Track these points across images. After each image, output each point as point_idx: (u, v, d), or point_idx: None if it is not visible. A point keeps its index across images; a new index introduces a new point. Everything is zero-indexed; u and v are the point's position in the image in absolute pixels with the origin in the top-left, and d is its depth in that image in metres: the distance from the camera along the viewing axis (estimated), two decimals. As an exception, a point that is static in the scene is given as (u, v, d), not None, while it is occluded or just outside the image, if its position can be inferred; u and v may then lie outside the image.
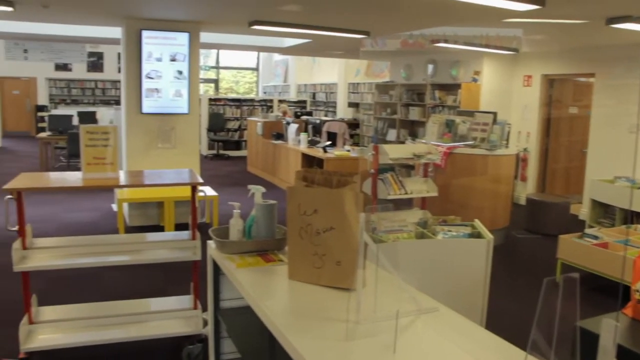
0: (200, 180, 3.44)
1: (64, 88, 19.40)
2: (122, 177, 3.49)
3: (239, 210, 2.63)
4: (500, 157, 6.56)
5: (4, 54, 12.52)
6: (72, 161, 11.99)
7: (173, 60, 6.89)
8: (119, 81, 19.34)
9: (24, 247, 3.39)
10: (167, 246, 3.75)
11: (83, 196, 8.63)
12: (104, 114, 14.96)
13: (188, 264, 3.79)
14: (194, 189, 3.54)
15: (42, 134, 11.99)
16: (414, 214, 4.46)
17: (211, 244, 2.67)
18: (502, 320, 4.49)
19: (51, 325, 3.65)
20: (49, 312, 3.79)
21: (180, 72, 6.92)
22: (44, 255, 3.48)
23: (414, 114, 11.25)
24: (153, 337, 3.72)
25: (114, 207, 7.90)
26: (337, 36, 7.63)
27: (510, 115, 9.43)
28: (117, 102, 19.31)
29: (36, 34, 9.53)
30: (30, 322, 3.56)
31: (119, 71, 19.27)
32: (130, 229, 6.78)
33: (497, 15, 5.63)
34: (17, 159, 13.48)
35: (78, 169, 9.55)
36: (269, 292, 2.16)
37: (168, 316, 3.88)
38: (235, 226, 2.61)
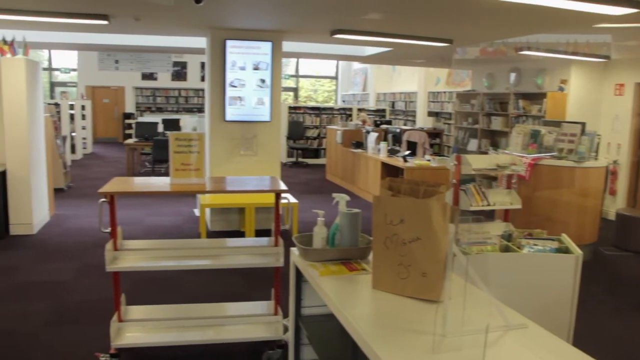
0: (285, 188, 3.48)
1: (150, 96, 20.21)
2: (208, 183, 3.57)
3: (323, 219, 2.63)
4: (589, 170, 6.29)
5: (98, 65, 13.21)
6: (156, 167, 12.43)
7: (256, 69, 7.03)
8: (201, 89, 19.97)
9: (115, 249, 3.53)
10: (248, 252, 3.81)
11: (166, 201, 8.94)
12: (187, 121, 15.44)
13: (268, 270, 3.84)
14: (277, 196, 3.59)
15: (129, 140, 12.51)
16: (497, 227, 4.34)
17: (294, 251, 2.69)
18: (590, 339, 4.29)
19: (138, 324, 3.78)
20: (136, 311, 3.93)
21: (262, 81, 7.05)
22: (133, 256, 3.61)
23: (497, 123, 10.98)
24: (233, 341, 3.79)
25: (196, 212, 8.13)
26: (419, 44, 7.56)
27: (599, 125, 9.03)
28: (200, 110, 19.90)
29: (126, 45, 9.98)
30: (120, 320, 3.70)
31: (202, 80, 19.93)
32: (211, 234, 6.95)
33: (589, 20, 5.41)
34: (105, 163, 14.12)
35: (162, 174, 9.92)
36: (353, 301, 2.15)
37: (248, 321, 3.94)
38: (319, 234, 2.62)
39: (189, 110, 20.09)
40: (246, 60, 7.01)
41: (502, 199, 5.09)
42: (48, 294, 5.01)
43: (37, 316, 4.51)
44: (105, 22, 6.54)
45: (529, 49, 7.74)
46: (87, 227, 7.34)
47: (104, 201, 3.35)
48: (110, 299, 4.72)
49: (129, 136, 16.69)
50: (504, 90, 10.86)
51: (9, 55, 7.35)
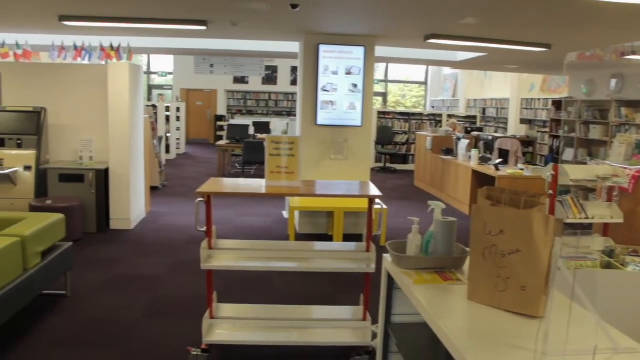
0: (379, 194, 3.47)
1: (241, 99, 20.74)
2: (302, 187, 3.61)
3: (417, 226, 2.60)
4: (700, 183, 5.88)
5: (194, 69, 13.71)
6: (246, 168, 12.74)
7: (348, 73, 7.06)
8: (291, 93, 20.28)
9: (210, 247, 3.64)
10: (338, 256, 3.82)
11: (256, 202, 9.13)
12: (277, 124, 15.76)
13: (355, 275, 3.86)
14: (371, 201, 3.58)
15: (221, 142, 12.88)
16: (596, 242, 4.13)
17: (387, 257, 2.67)
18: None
19: (228, 322, 3.88)
20: (227, 309, 4.04)
21: (355, 86, 7.08)
22: (226, 256, 3.71)
23: (595, 132, 10.48)
24: (321, 345, 3.81)
25: (285, 214, 8.25)
26: (516, 50, 7.35)
27: None
28: (289, 114, 20.22)
29: (221, 49, 10.29)
30: (211, 317, 3.82)
31: (292, 84, 20.24)
32: (299, 236, 7.04)
33: None
34: (197, 164, 14.61)
35: (251, 176, 10.12)
36: (448, 311, 2.11)
37: (336, 325, 3.95)
38: (414, 241, 2.59)
39: (279, 114, 20.46)
40: (339, 65, 7.05)
41: (601, 212, 4.83)
42: (145, 287, 5.24)
43: (136, 307, 4.73)
44: (203, 28, 6.77)
45: (633, 53, 7.34)
46: (180, 225, 7.62)
47: (200, 201, 3.46)
48: (201, 296, 4.89)
49: (220, 138, 17.20)
50: (605, 98, 10.35)
51: (114, 60, 7.76)
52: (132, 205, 7.29)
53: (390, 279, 2.66)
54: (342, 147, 7.18)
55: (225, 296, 4.39)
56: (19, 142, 7.07)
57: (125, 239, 6.87)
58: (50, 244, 4.58)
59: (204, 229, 3.59)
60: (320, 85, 7.06)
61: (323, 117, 7.12)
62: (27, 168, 7.00)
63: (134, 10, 6.02)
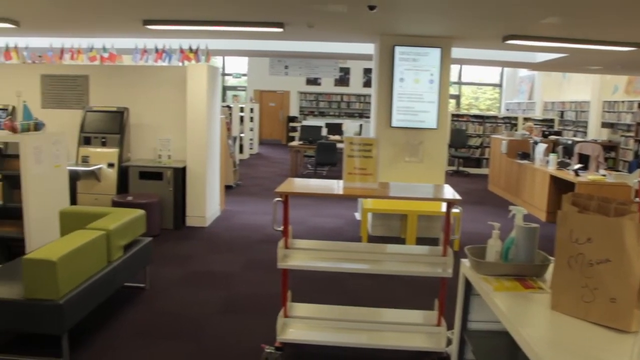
0: (458, 198, 3.41)
1: (313, 101, 20.90)
2: (380, 188, 3.60)
3: (498, 231, 2.54)
4: None
5: (268, 70, 13.96)
6: (318, 169, 12.82)
7: (424, 75, 6.98)
8: (363, 95, 20.26)
9: (286, 247, 3.69)
10: (413, 259, 3.79)
11: (328, 203, 9.17)
12: (349, 125, 15.76)
13: (429, 279, 3.81)
14: (449, 205, 3.53)
15: (294, 143, 13.01)
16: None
17: (465, 262, 2.62)
18: None
19: (302, 321, 3.92)
20: (300, 308, 4.08)
21: (430, 87, 7.00)
22: (302, 255, 3.75)
23: (684, 137, 9.95)
24: (393, 348, 3.79)
25: (357, 215, 8.25)
26: (601, 50, 7.06)
27: None
28: (361, 115, 20.21)
29: (294, 51, 10.39)
30: (285, 316, 3.86)
31: (364, 85, 20.22)
32: (372, 239, 7.02)
33: None
34: (269, 164, 14.82)
35: (323, 177, 10.14)
36: (530, 320, 2.05)
37: (409, 329, 3.91)
38: (494, 247, 2.53)
39: (350, 115, 20.49)
40: (414, 67, 6.99)
41: (693, 221, 4.59)
42: (218, 283, 5.37)
43: (210, 303, 4.85)
44: (280, 30, 6.86)
45: None
46: (253, 223, 7.75)
47: (278, 200, 3.51)
48: (273, 294, 4.97)
49: (292, 139, 17.38)
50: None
51: (193, 62, 7.99)
52: (207, 203, 7.48)
53: (468, 285, 2.61)
54: (416, 150, 7.11)
55: (298, 295, 4.43)
56: (103, 140, 7.40)
57: (200, 236, 7.06)
58: (132, 239, 4.76)
59: (281, 228, 3.64)
60: (395, 87, 7.02)
61: (398, 119, 7.07)
62: (110, 165, 7.32)
63: (213, 13, 6.18)
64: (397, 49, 6.97)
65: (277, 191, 3.45)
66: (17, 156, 5.22)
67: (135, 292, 5.03)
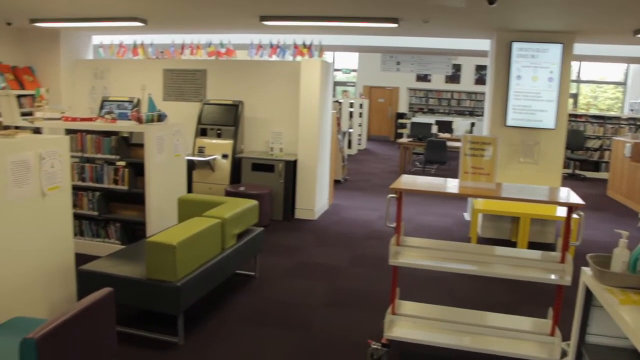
0: (581, 202, 3.22)
1: (422, 98, 20.61)
2: (498, 189, 3.48)
3: (625, 240, 2.38)
4: None
5: (380, 66, 13.91)
6: (427, 167, 12.64)
7: (543, 72, 6.68)
8: (474, 93, 19.73)
9: (398, 244, 3.66)
10: (524, 264, 3.63)
11: (436, 201, 9.01)
12: (459, 123, 15.43)
13: (541, 285, 3.64)
14: (570, 209, 3.35)
15: (403, 140, 12.91)
16: None
17: (586, 270, 2.48)
18: None
19: (409, 320, 3.88)
20: (407, 306, 4.03)
21: (549, 86, 6.68)
22: (413, 253, 3.71)
23: None
24: (502, 354, 3.65)
25: (466, 215, 8.05)
26: None
27: None
28: (471, 113, 19.71)
29: (406, 47, 10.28)
30: (393, 313, 3.84)
31: (475, 83, 19.68)
32: (481, 240, 6.83)
33: None
34: (377, 160, 14.79)
35: (432, 175, 9.97)
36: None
37: (519, 336, 3.76)
38: (621, 257, 2.37)
39: (461, 113, 20.02)
40: (532, 64, 6.70)
41: None
42: (326, 276, 5.43)
43: (317, 295, 4.92)
44: (395, 25, 6.81)
45: None
46: (361, 219, 7.77)
47: (392, 197, 3.48)
48: (380, 290, 4.96)
49: (400, 135, 17.25)
50: None
51: (307, 57, 8.12)
52: (316, 197, 7.59)
53: (588, 295, 2.47)
54: (532, 150, 6.82)
55: (403, 293, 4.39)
56: (218, 132, 7.69)
57: (308, 228, 7.17)
58: (245, 228, 4.92)
59: (393, 225, 3.61)
60: (511, 85, 6.76)
61: (513, 118, 6.81)
62: (225, 156, 7.59)
63: (328, 9, 6.23)
64: (515, 45, 6.71)
65: (392, 187, 3.42)
66: (141, 145, 5.54)
67: (246, 280, 5.19)
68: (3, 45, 8.65)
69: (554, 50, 6.65)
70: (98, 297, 2.80)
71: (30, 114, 6.18)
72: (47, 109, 6.39)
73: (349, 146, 14.98)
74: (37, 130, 5.58)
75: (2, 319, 3.62)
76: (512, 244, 6.61)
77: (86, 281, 4.03)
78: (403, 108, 20.61)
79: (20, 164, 3.75)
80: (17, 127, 4.88)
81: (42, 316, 3.94)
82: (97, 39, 9.83)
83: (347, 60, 21.38)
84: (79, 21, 7.39)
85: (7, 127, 4.30)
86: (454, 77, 19.96)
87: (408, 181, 3.73)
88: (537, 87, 6.73)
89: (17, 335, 2.89)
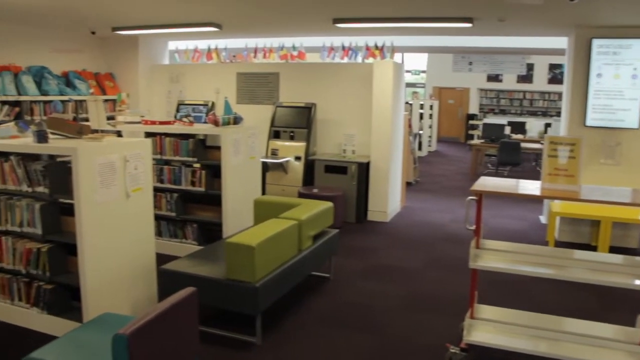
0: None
1: (494, 98, 20.16)
2: (582, 191, 3.36)
3: None
4: None
5: (451, 67, 13.70)
6: (500, 169, 12.35)
7: (626, 70, 6.40)
8: (547, 92, 19.15)
9: (477, 247, 3.59)
10: (612, 270, 3.49)
11: (510, 204, 8.78)
12: (532, 124, 15.00)
13: (627, 291, 3.47)
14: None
15: (475, 141, 12.67)
16: None
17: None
18: None
19: (489, 324, 3.79)
20: (486, 310, 3.95)
21: (632, 84, 6.39)
22: (492, 256, 3.63)
23: None
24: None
25: (542, 219, 7.82)
26: None
27: None
28: (544, 114, 19.13)
29: (478, 47, 10.08)
30: (472, 317, 3.76)
31: (549, 82, 19.08)
32: (558, 244, 6.60)
33: None
34: (447, 162, 14.58)
35: (505, 177, 9.69)
36: None
37: (605, 344, 3.61)
38: None
39: (533, 114, 19.45)
40: (614, 61, 6.43)
41: None
42: (400, 279, 5.39)
43: (392, 297, 4.89)
44: (469, 25, 6.70)
45: None
46: (433, 221, 7.67)
47: (472, 199, 3.42)
48: (456, 293, 4.89)
49: (471, 137, 16.93)
50: None
51: (378, 59, 8.09)
52: (389, 199, 7.55)
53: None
54: (613, 151, 6.55)
55: (481, 297, 4.30)
56: (291, 134, 7.78)
57: (381, 230, 7.14)
58: (320, 230, 4.94)
59: (473, 227, 3.55)
60: (591, 83, 6.51)
61: (593, 118, 6.56)
62: (297, 158, 7.67)
63: (402, 9, 6.18)
64: (595, 42, 6.46)
65: (473, 189, 3.36)
66: (217, 147, 5.67)
67: (321, 282, 5.22)
68: (87, 54, 9.06)
69: (638, 47, 6.36)
70: (183, 296, 2.88)
71: (112, 118, 6.44)
72: (127, 113, 6.65)
73: (419, 148, 14.84)
74: (118, 134, 5.81)
75: (93, 315, 3.79)
76: (592, 249, 6.36)
77: (167, 280, 4.16)
78: (473, 109, 20.23)
79: (107, 167, 3.91)
80: (101, 131, 5.09)
81: (126, 313, 4.09)
82: (172, 45, 10.15)
83: (416, 61, 21.18)
84: (157, 28, 7.64)
85: (95, 131, 4.48)
86: (526, 77, 19.40)
87: (488, 183, 3.65)
88: (619, 85, 6.46)
89: (108, 331, 3.02)
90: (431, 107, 16.37)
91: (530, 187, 3.52)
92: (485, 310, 3.96)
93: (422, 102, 15.85)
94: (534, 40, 9.10)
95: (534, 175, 11.71)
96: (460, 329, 3.93)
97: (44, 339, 3.99)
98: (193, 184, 5.77)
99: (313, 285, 5.11)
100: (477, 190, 3.36)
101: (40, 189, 3.98)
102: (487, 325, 3.79)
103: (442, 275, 5.52)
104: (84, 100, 8.34)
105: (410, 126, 10.51)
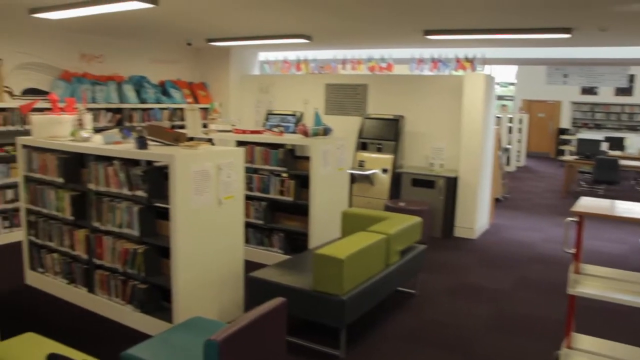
0: None
1: (588, 112, 19.26)
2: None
3: None
4: None
5: (543, 79, 13.19)
6: (594, 187, 11.78)
7: None
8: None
9: (577, 272, 3.40)
10: None
11: (606, 226, 8.32)
12: (633, 140, 14.23)
13: None
14: None
15: (568, 157, 12.14)
16: None
17: None
18: None
19: (587, 356, 3.57)
20: (585, 341, 3.73)
21: None
22: (594, 282, 3.43)
23: None
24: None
25: (643, 242, 7.38)
26: None
27: None
28: (645, 129, 18.11)
29: (573, 58, 9.68)
30: (568, 347, 3.57)
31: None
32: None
33: None
34: (537, 178, 14.04)
35: (599, 196, 9.22)
36: None
37: None
38: None
39: (633, 128, 18.43)
40: None
41: None
42: (488, 298, 5.21)
43: (479, 317, 4.73)
44: (567, 36, 6.44)
45: None
46: (523, 240, 7.39)
47: (572, 220, 3.25)
48: (548, 318, 4.69)
49: (562, 152, 16.26)
50: None
51: (469, 71, 7.93)
52: (477, 215, 7.34)
53: None
54: None
55: (577, 324, 4.07)
56: (379, 146, 7.73)
57: (468, 247, 6.95)
58: (408, 245, 4.86)
59: (572, 251, 3.37)
60: None
61: None
62: (384, 171, 7.61)
63: (496, 21, 6.02)
64: None
65: (574, 210, 3.19)
66: (306, 158, 5.71)
67: (407, 297, 5.13)
68: (183, 64, 9.40)
69: None
70: (273, 306, 2.89)
71: (204, 126, 6.62)
72: (219, 121, 6.83)
73: (508, 163, 14.40)
74: (209, 141, 5.96)
75: (182, 316, 3.90)
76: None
77: (254, 288, 4.21)
78: (565, 123, 19.41)
79: (202, 174, 4.01)
80: (192, 138, 5.23)
81: (213, 317, 4.18)
82: (262, 56, 10.36)
83: (504, 73, 20.63)
84: (249, 39, 7.82)
85: (190, 139, 4.62)
86: (625, 89, 18.43)
87: (590, 204, 3.46)
88: None
89: (198, 334, 3.09)
90: (520, 121, 15.87)
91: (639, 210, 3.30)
92: (584, 341, 3.75)
93: (510, 116, 15.38)
94: (636, 50, 8.65)
95: (634, 196, 11.08)
96: (554, 357, 3.74)
97: (135, 335, 4.17)
98: (281, 193, 5.83)
99: (398, 301, 5.03)
100: (578, 211, 3.19)
101: (139, 192, 4.14)
102: (586, 357, 3.58)
103: (533, 297, 5.29)
104: (178, 109, 8.66)
105: (499, 140, 10.21)
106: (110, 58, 8.14)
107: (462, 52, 8.37)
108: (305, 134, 5.75)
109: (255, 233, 6.15)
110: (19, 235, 6.41)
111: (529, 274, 6.00)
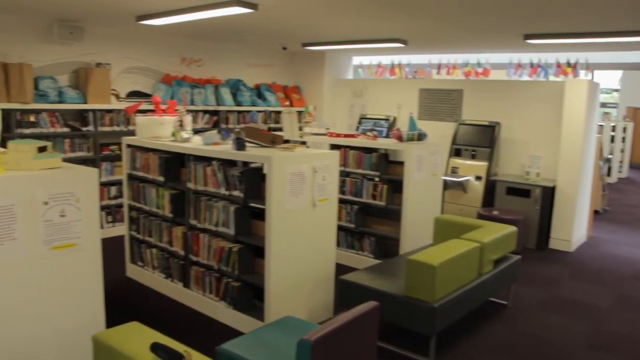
0: None
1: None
2: None
3: None
4: None
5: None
6: None
7: None
8: None
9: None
10: None
11: None
12: None
13: None
14: None
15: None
16: None
17: None
18: None
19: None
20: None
21: None
22: None
23: None
24: None
25: None
26: None
27: None
28: None
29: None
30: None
31: None
32: None
33: None
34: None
35: None
36: None
37: None
38: None
39: None
40: None
41: None
42: (586, 315, 5.00)
43: (576, 334, 4.55)
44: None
45: None
46: (624, 255, 7.02)
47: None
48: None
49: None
50: None
51: (570, 77, 7.64)
52: (574, 227, 7.05)
53: None
54: None
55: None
56: (473, 153, 7.59)
57: (564, 260, 6.69)
58: (502, 254, 4.75)
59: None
60: None
61: None
62: (478, 178, 7.46)
63: (602, 23, 5.76)
64: None
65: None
66: (399, 163, 5.70)
67: (498, 308, 5.02)
68: (278, 67, 9.62)
69: None
70: (366, 309, 2.92)
71: (299, 129, 6.75)
72: (314, 124, 6.93)
73: (609, 174, 13.71)
74: (303, 144, 6.07)
75: (273, 315, 4.01)
76: None
77: (345, 291, 4.25)
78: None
79: (297, 176, 4.10)
80: (287, 141, 5.35)
81: (303, 317, 4.25)
82: (356, 60, 10.42)
83: (608, 79, 19.67)
84: (344, 44, 7.89)
85: (286, 141, 4.73)
86: None
87: None
88: None
89: (290, 334, 3.17)
90: (624, 130, 15.07)
91: None
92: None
93: (613, 124, 14.65)
94: None
95: None
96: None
97: (227, 330, 4.32)
98: (374, 197, 5.85)
99: (490, 312, 4.92)
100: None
101: (236, 192, 4.29)
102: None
103: (636, 317, 5.02)
104: (273, 111, 8.87)
105: (601, 150, 9.76)
106: (209, 62, 8.46)
107: (563, 57, 8.07)
108: (400, 138, 5.74)
109: (346, 236, 6.19)
110: (121, 229, 6.82)
111: (631, 292, 5.70)
